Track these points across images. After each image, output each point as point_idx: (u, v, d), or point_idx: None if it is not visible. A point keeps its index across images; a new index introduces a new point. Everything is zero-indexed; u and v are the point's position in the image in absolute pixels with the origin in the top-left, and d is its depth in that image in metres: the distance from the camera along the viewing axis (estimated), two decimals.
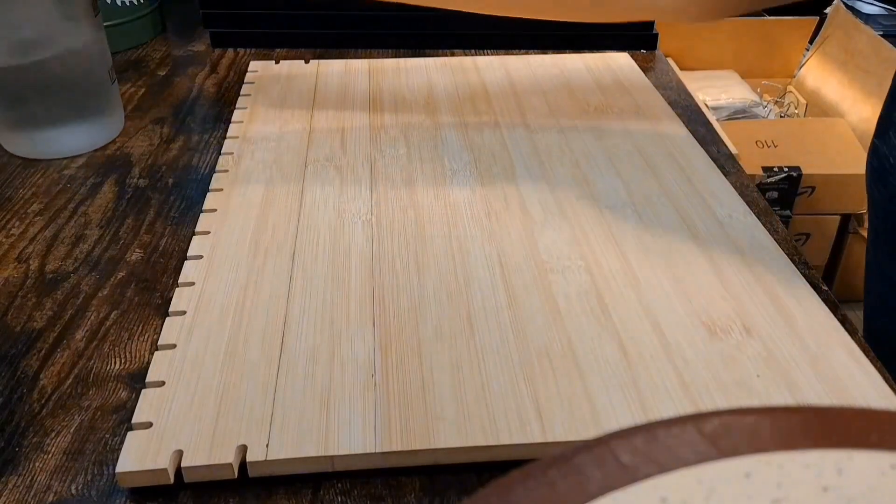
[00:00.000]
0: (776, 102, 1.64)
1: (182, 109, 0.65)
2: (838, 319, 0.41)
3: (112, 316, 0.43)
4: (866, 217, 1.49)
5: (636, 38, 0.77)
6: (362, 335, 0.39)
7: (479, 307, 0.41)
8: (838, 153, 1.44)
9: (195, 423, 0.34)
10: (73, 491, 0.33)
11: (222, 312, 0.41)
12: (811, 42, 1.66)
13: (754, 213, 0.49)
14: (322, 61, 0.70)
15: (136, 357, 0.40)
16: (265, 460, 0.33)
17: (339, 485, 0.34)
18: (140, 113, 0.64)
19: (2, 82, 0.54)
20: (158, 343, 0.39)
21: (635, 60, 0.72)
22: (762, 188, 1.37)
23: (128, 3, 0.74)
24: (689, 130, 0.59)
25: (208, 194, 0.51)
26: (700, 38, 1.65)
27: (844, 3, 1.63)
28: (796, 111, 1.62)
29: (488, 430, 0.34)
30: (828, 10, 1.63)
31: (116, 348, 0.40)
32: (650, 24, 0.77)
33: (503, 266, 0.44)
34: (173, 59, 0.75)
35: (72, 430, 0.36)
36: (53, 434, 0.36)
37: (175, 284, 0.43)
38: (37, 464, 0.34)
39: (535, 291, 0.42)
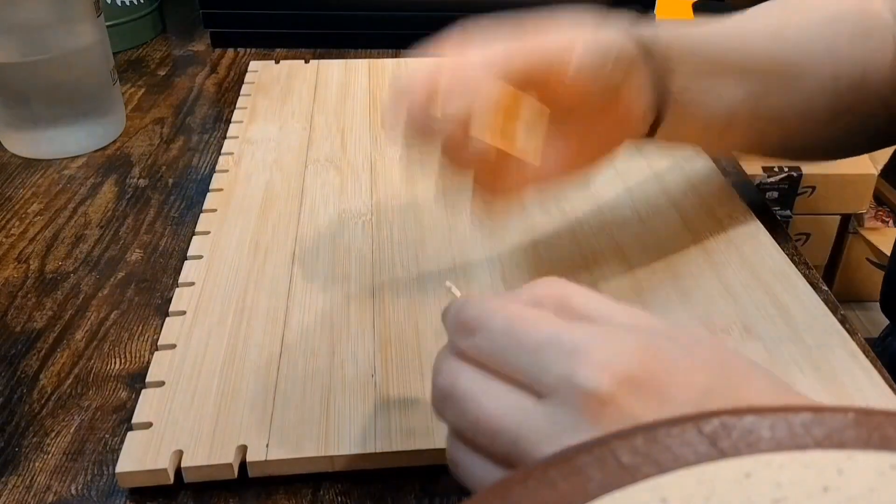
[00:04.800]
0: None
1: (182, 109, 0.65)
2: (838, 319, 0.41)
3: (112, 316, 0.43)
4: (866, 217, 1.49)
5: None
6: (362, 335, 0.39)
7: None
8: None
9: (195, 423, 0.34)
10: (73, 491, 0.33)
11: (222, 312, 0.41)
12: None
13: (754, 213, 0.49)
14: (322, 61, 0.70)
15: (136, 357, 0.40)
16: (265, 460, 0.33)
17: (339, 485, 0.34)
18: (140, 113, 0.64)
19: (4, 82, 0.54)
20: (158, 343, 0.39)
21: None
22: (762, 188, 1.37)
23: (128, 3, 0.74)
24: None
25: (208, 194, 0.51)
26: None
27: None
28: None
29: None
30: None
31: (116, 348, 0.40)
32: None
33: (503, 266, 0.44)
34: (173, 59, 0.75)
35: (72, 430, 0.36)
36: (53, 434, 0.36)
37: (175, 284, 0.43)
38: (37, 464, 0.34)
39: None
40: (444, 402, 0.25)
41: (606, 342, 0.23)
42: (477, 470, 0.24)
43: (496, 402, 0.23)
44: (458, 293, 0.29)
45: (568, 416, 0.22)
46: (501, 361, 0.24)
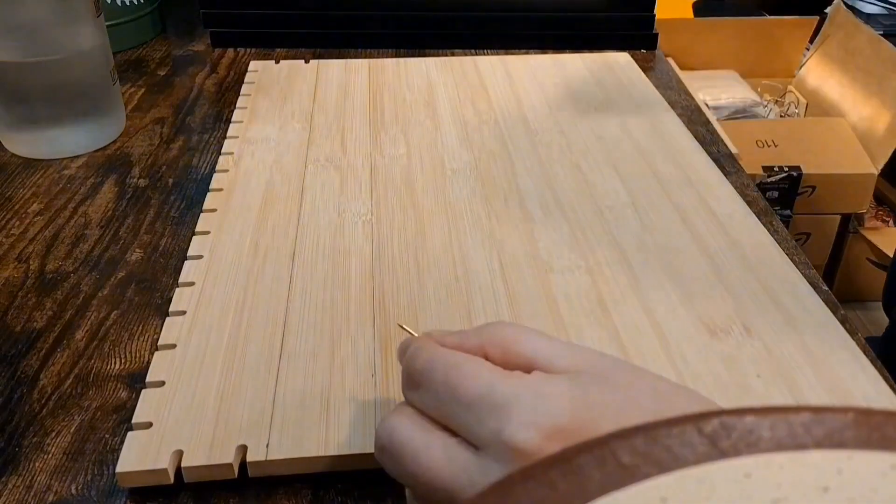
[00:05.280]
0: (776, 102, 1.64)
1: (182, 109, 0.65)
2: (838, 319, 0.41)
3: (112, 316, 0.43)
4: (866, 217, 1.49)
5: (636, 38, 0.77)
6: (362, 335, 0.39)
7: (479, 307, 0.41)
8: (838, 153, 1.44)
9: (195, 423, 0.34)
10: (73, 491, 0.33)
11: (222, 312, 0.41)
12: (811, 42, 1.66)
13: (754, 213, 0.49)
14: (322, 61, 0.70)
15: (136, 357, 0.40)
16: (265, 460, 0.33)
17: (339, 485, 0.34)
18: (140, 113, 0.64)
19: (4, 82, 0.54)
20: (158, 343, 0.39)
21: (635, 60, 0.72)
22: (762, 188, 1.37)
23: (128, 3, 0.74)
24: (689, 130, 0.59)
25: (208, 194, 0.51)
26: (700, 38, 1.65)
27: (845, 3, 1.63)
28: (796, 111, 1.62)
29: None
30: (828, 10, 1.63)
31: (116, 348, 0.40)
32: (650, 24, 0.77)
33: (503, 266, 0.44)
34: (173, 59, 0.75)
35: (72, 430, 0.36)
36: (53, 434, 0.36)
37: (175, 284, 0.43)
38: (37, 464, 0.34)
39: (535, 291, 0.42)
40: (381, 454, 0.26)
41: (537, 396, 0.23)
42: None
43: (431, 456, 0.24)
44: (413, 333, 0.30)
45: (500, 470, 0.22)
46: (442, 414, 0.25)
